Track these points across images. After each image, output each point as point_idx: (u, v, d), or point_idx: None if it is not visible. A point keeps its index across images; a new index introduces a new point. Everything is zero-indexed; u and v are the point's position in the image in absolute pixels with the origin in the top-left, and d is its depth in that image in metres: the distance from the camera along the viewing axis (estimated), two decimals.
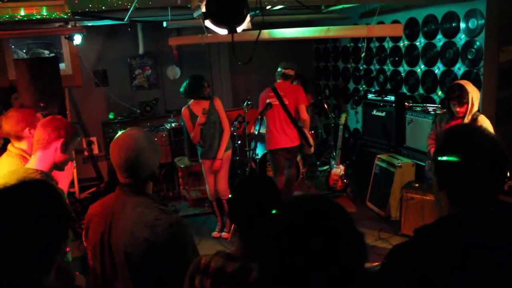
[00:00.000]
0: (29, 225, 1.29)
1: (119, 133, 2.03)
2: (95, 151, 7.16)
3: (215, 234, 5.31)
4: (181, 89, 4.99)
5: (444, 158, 1.39)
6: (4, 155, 2.70)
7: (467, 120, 3.85)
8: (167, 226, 1.86)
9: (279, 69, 5.32)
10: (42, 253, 1.32)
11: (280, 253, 1.05)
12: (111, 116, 7.13)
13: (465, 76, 5.13)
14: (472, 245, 1.26)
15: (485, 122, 3.80)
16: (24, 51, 7.26)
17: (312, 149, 5.47)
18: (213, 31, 2.67)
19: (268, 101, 5.15)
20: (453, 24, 5.26)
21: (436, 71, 5.65)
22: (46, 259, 1.34)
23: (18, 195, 1.33)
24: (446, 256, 1.26)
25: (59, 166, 2.39)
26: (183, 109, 5.06)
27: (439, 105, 5.48)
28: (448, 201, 1.39)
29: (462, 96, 3.83)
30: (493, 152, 1.34)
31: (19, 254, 1.27)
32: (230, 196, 1.75)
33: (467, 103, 3.81)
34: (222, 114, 5.03)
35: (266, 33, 4.24)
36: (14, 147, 2.67)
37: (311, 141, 5.37)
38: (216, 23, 2.59)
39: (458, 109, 3.87)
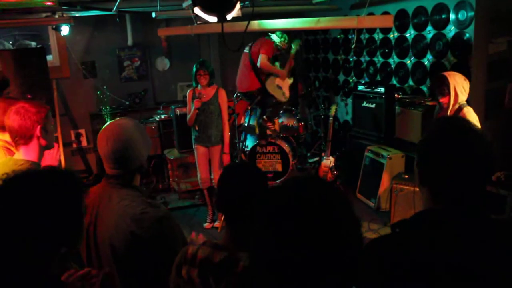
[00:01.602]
0: (50, 212, 1.26)
1: (108, 122, 1.98)
2: (84, 143, 7.10)
3: (206, 225, 5.30)
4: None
5: (427, 152, 1.37)
6: None
7: (450, 111, 3.85)
8: (154, 220, 1.82)
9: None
10: (56, 241, 1.29)
11: (276, 237, 1.01)
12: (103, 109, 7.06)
13: (454, 68, 5.14)
14: (448, 243, 1.24)
15: (470, 114, 3.77)
16: (11, 42, 7.14)
17: (286, 94, 6.00)
18: (203, 18, 2.64)
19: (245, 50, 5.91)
20: (443, 16, 5.27)
21: (426, 62, 5.66)
22: (51, 251, 1.31)
23: (43, 182, 1.30)
24: (422, 251, 1.24)
25: (47, 147, 2.36)
26: (188, 90, 5.12)
27: (429, 97, 5.50)
28: (429, 196, 1.37)
29: (442, 87, 3.85)
30: (477, 146, 1.31)
31: (37, 240, 1.24)
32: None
33: (449, 94, 3.83)
34: (224, 106, 5.05)
35: (256, 24, 4.20)
36: None
37: (277, 92, 5.92)
38: (205, 10, 2.56)
39: (440, 100, 3.91)
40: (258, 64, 5.62)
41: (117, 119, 2.01)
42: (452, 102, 3.82)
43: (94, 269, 1.93)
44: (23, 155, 2.29)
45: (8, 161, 2.31)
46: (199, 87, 4.95)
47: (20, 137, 2.27)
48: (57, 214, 1.27)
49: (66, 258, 1.41)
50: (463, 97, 3.84)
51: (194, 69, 4.94)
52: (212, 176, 5.17)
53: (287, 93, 6.03)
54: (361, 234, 1.08)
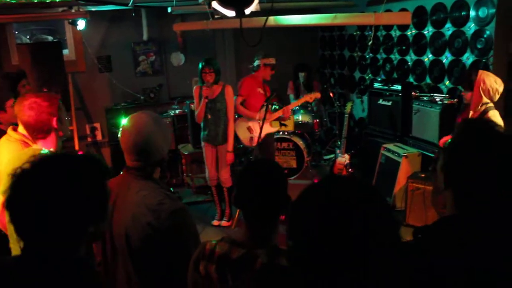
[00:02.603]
0: (79, 190, 1.26)
1: (131, 115, 1.98)
2: (99, 137, 7.13)
3: (215, 222, 5.30)
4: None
5: (452, 156, 1.33)
6: (3, 139, 2.64)
7: (474, 111, 3.77)
8: (170, 212, 1.83)
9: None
10: (84, 223, 1.29)
11: (315, 236, 0.98)
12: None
13: (474, 66, 5.05)
14: (471, 250, 1.20)
15: (495, 119, 3.66)
16: (28, 37, 7.20)
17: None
18: (220, 13, 2.62)
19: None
20: (463, 13, 5.18)
21: (444, 60, 5.58)
22: (79, 234, 1.31)
23: (76, 164, 1.31)
24: (444, 258, 1.21)
25: (63, 136, 2.37)
26: (195, 87, 5.08)
27: (447, 95, 5.42)
28: (453, 199, 1.33)
29: (465, 82, 3.80)
30: (505, 151, 1.28)
31: (66, 221, 1.24)
32: (233, 186, 1.72)
33: (470, 90, 3.76)
34: (230, 104, 5.00)
35: (272, 20, 4.17)
36: (16, 132, 2.60)
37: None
38: (224, 4, 2.53)
39: (463, 93, 3.85)
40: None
41: (139, 112, 2.01)
42: (473, 100, 3.75)
43: (109, 259, 1.93)
44: (42, 146, 2.29)
45: (28, 151, 2.32)
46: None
47: (38, 132, 2.28)
48: (86, 192, 1.27)
49: (92, 239, 1.43)
50: (486, 99, 3.74)
51: (200, 66, 4.89)
52: (219, 176, 5.14)
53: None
54: (399, 236, 1.04)
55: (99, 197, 1.32)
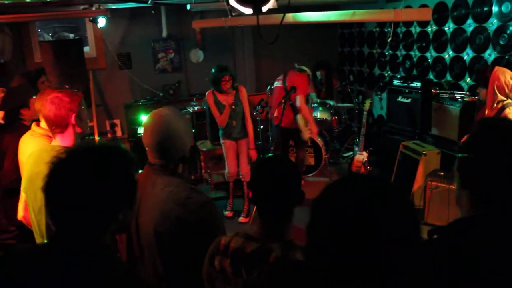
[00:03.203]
0: (109, 182, 1.32)
1: (152, 112, 1.99)
2: (118, 133, 7.23)
3: (228, 213, 5.42)
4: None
5: (468, 155, 1.30)
6: (28, 134, 2.71)
7: (490, 110, 3.69)
8: (199, 205, 1.84)
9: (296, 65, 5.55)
10: (109, 212, 1.34)
11: (335, 235, 0.98)
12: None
13: (496, 62, 4.97)
14: (486, 251, 1.18)
15: None
16: (50, 34, 7.33)
17: (306, 136, 5.45)
18: (238, 10, 2.63)
19: (276, 84, 5.57)
20: (485, 9, 5.09)
21: (465, 57, 5.49)
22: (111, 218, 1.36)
23: (102, 154, 1.36)
24: (459, 259, 1.19)
25: (82, 134, 2.42)
26: (207, 93, 5.07)
27: (468, 93, 5.34)
28: (469, 200, 1.31)
29: (479, 78, 3.72)
30: None
31: (93, 209, 1.30)
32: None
33: (485, 87, 3.67)
34: (246, 105, 5.06)
35: (291, 17, 4.16)
36: (39, 127, 2.67)
37: (304, 128, 5.39)
38: (241, 2, 2.54)
39: (478, 90, 3.78)
40: (297, 105, 5.31)
41: (161, 108, 2.01)
42: (488, 98, 3.67)
43: (135, 255, 1.96)
44: (59, 142, 2.34)
45: (46, 147, 2.38)
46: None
47: (57, 126, 2.33)
48: (115, 179, 1.34)
49: (119, 230, 1.47)
50: (501, 97, 3.66)
51: (217, 75, 4.87)
52: (239, 170, 5.20)
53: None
54: (419, 234, 1.04)
55: (127, 185, 1.37)
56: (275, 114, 5.33)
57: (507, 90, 3.64)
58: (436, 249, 1.26)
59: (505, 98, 3.66)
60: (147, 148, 1.96)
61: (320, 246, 1.03)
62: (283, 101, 5.13)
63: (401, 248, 0.97)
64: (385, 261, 0.96)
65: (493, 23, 5.02)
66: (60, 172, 1.31)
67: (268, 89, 5.97)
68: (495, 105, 3.68)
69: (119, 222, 1.37)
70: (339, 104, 7.07)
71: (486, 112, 3.71)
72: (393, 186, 1.07)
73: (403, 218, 1.00)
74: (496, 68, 3.73)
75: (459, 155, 1.33)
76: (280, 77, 5.55)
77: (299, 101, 5.27)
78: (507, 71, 3.73)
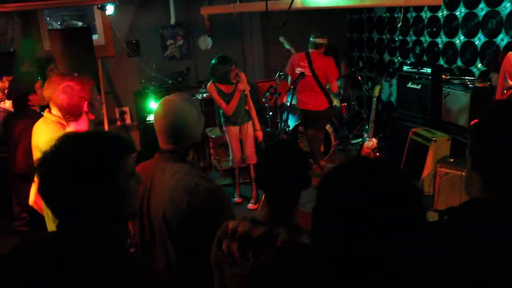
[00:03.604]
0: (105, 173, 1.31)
1: (164, 98, 1.99)
2: (128, 120, 7.25)
3: (236, 199, 5.50)
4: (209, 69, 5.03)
5: (480, 137, 1.29)
6: (41, 121, 2.73)
7: (500, 95, 3.64)
8: (208, 192, 1.85)
9: (311, 38, 5.39)
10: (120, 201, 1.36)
11: (339, 220, 0.99)
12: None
13: (508, 47, 4.89)
14: (496, 233, 1.18)
15: None
16: (59, 23, 7.34)
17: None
18: None
19: (299, 70, 5.37)
20: None
21: (477, 42, 5.42)
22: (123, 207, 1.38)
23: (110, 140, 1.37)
24: (470, 240, 1.19)
25: (95, 119, 2.43)
26: (208, 85, 5.09)
27: (479, 79, 5.27)
28: (481, 183, 1.30)
29: (491, 64, 3.67)
30: None
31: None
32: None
33: (496, 72, 3.62)
34: (247, 88, 5.14)
35: (299, 2, 4.12)
36: (52, 114, 2.69)
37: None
38: None
39: (491, 75, 3.72)
40: (334, 91, 5.65)
41: (173, 94, 2.01)
42: (499, 83, 3.62)
43: (147, 241, 1.98)
44: (73, 129, 2.36)
45: (60, 135, 2.39)
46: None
47: (70, 115, 2.35)
48: (103, 168, 1.32)
49: (126, 218, 1.49)
50: (511, 82, 3.60)
51: (224, 67, 4.88)
52: (244, 154, 5.27)
53: None
54: (425, 219, 1.03)
55: (115, 173, 1.35)
56: (284, 101, 5.33)
57: None
58: (446, 231, 1.25)
59: None
60: (158, 134, 1.96)
61: (325, 230, 1.03)
62: (291, 87, 5.13)
63: (406, 234, 0.97)
64: (389, 247, 0.96)
65: (506, 7, 4.93)
66: (47, 164, 1.31)
67: (276, 75, 5.93)
68: (505, 91, 3.63)
69: (124, 213, 1.38)
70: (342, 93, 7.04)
71: (496, 97, 3.67)
72: (398, 169, 1.06)
73: (408, 202, 1.00)
74: (510, 53, 3.66)
75: (474, 136, 1.31)
76: (304, 62, 5.49)
77: (334, 86, 5.50)
78: None
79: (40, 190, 1.31)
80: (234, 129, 5.18)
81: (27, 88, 3.46)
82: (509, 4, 4.87)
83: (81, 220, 1.30)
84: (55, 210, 1.32)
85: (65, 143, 1.34)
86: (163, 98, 2.00)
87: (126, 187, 1.37)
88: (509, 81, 3.60)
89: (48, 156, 1.31)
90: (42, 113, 2.91)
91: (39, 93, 3.41)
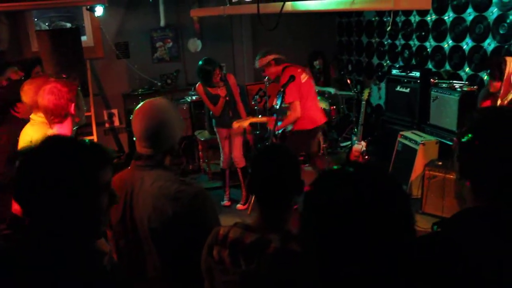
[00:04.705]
0: (84, 185, 1.27)
1: (144, 101, 1.96)
2: (116, 123, 7.20)
3: (225, 203, 5.51)
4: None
5: (469, 143, 1.26)
6: (28, 125, 2.70)
7: (501, 102, 3.65)
8: (191, 197, 1.83)
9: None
10: (91, 215, 1.31)
11: (326, 225, 0.98)
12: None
13: (495, 52, 4.95)
14: (489, 243, 1.17)
15: None
16: (47, 24, 7.26)
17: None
18: None
19: (305, 77, 4.80)
20: None
21: (465, 46, 5.47)
22: (95, 222, 1.33)
23: (67, 152, 1.31)
24: (462, 252, 1.18)
25: (79, 122, 2.41)
26: (197, 85, 5.17)
27: (467, 82, 5.33)
28: (471, 191, 1.28)
29: (495, 71, 3.66)
30: None
31: (72, 214, 1.26)
32: (246, 166, 1.72)
33: (500, 80, 3.62)
34: (235, 91, 5.17)
35: (290, 6, 4.13)
36: (37, 116, 2.66)
37: None
38: None
39: (490, 83, 3.73)
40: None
41: (152, 98, 2.00)
42: (503, 89, 3.60)
43: (133, 253, 1.94)
44: (58, 131, 2.33)
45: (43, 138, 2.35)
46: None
47: (56, 116, 2.32)
48: (75, 178, 1.27)
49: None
50: None
51: (207, 68, 4.88)
52: (232, 156, 5.32)
53: None
54: (414, 230, 1.02)
55: (87, 187, 1.30)
56: (273, 104, 5.25)
57: None
58: (437, 243, 1.24)
59: None
60: (136, 137, 1.91)
61: (312, 235, 1.02)
62: (281, 90, 5.01)
63: (393, 238, 0.97)
64: (377, 252, 0.95)
65: (493, 12, 4.99)
66: (20, 172, 1.28)
67: (266, 78, 5.92)
68: (507, 96, 3.62)
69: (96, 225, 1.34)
70: (340, 93, 7.04)
71: (498, 103, 3.65)
72: (386, 174, 1.06)
73: (395, 206, 0.99)
74: (509, 58, 3.66)
75: (462, 143, 1.29)
76: (307, 70, 4.94)
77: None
78: None
79: (14, 193, 1.29)
80: (224, 131, 5.28)
81: (16, 95, 3.42)
82: (496, 9, 4.93)
83: (49, 227, 1.28)
84: (26, 212, 1.30)
85: (41, 150, 1.30)
86: (142, 102, 1.97)
87: (96, 202, 1.32)
88: None
89: (23, 160, 1.29)
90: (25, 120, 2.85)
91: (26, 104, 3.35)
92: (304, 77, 4.69)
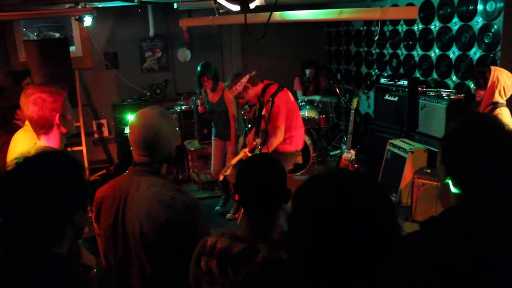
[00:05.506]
0: (44, 192, 1.32)
1: (140, 110, 1.98)
2: (105, 133, 7.17)
3: (219, 209, 5.54)
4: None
5: (451, 148, 1.33)
6: (21, 130, 2.67)
7: (483, 109, 3.71)
8: (185, 206, 1.84)
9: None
10: (54, 220, 1.34)
11: (314, 232, 0.98)
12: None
13: (481, 61, 5.02)
14: (475, 240, 1.21)
15: (502, 115, 3.56)
16: (35, 34, 7.24)
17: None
18: (225, 8, 2.62)
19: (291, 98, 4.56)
20: (470, 7, 5.13)
21: (451, 55, 5.54)
22: (57, 228, 1.36)
23: (35, 163, 1.38)
24: (450, 249, 1.21)
25: (67, 133, 2.38)
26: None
27: (454, 90, 5.38)
28: (455, 194, 1.34)
29: (479, 79, 3.72)
30: (503, 143, 1.28)
31: (33, 220, 1.29)
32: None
33: (484, 88, 3.68)
34: (230, 107, 5.00)
35: (278, 15, 4.16)
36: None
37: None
38: None
39: (476, 91, 3.79)
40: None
41: (149, 107, 2.01)
42: (485, 98, 3.66)
43: (121, 259, 1.93)
44: (45, 143, 2.31)
45: (30, 149, 2.33)
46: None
47: (41, 127, 2.29)
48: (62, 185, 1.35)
49: (75, 239, 1.48)
50: (499, 98, 3.64)
51: (197, 72, 4.98)
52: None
53: None
54: (399, 236, 1.04)
55: (74, 189, 1.38)
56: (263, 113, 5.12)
57: (507, 90, 3.61)
58: (424, 242, 1.27)
59: (501, 99, 3.65)
60: (132, 146, 1.94)
61: (299, 239, 1.02)
62: (270, 99, 4.82)
63: (379, 242, 0.97)
64: (363, 256, 0.96)
65: (478, 22, 5.06)
66: (7, 183, 1.33)
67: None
68: (489, 105, 3.68)
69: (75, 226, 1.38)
70: (324, 99, 7.07)
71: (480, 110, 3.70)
72: (373, 180, 1.07)
73: (381, 212, 1.00)
74: (493, 68, 3.71)
75: (445, 147, 1.35)
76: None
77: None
78: (503, 70, 3.68)
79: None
80: (220, 142, 5.27)
81: (18, 101, 3.39)
82: (481, 19, 5.00)
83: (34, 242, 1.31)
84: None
85: (24, 164, 1.37)
86: (139, 111, 1.99)
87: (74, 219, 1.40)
88: (497, 96, 3.63)
89: (6, 172, 1.34)
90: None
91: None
92: (290, 96, 4.45)
